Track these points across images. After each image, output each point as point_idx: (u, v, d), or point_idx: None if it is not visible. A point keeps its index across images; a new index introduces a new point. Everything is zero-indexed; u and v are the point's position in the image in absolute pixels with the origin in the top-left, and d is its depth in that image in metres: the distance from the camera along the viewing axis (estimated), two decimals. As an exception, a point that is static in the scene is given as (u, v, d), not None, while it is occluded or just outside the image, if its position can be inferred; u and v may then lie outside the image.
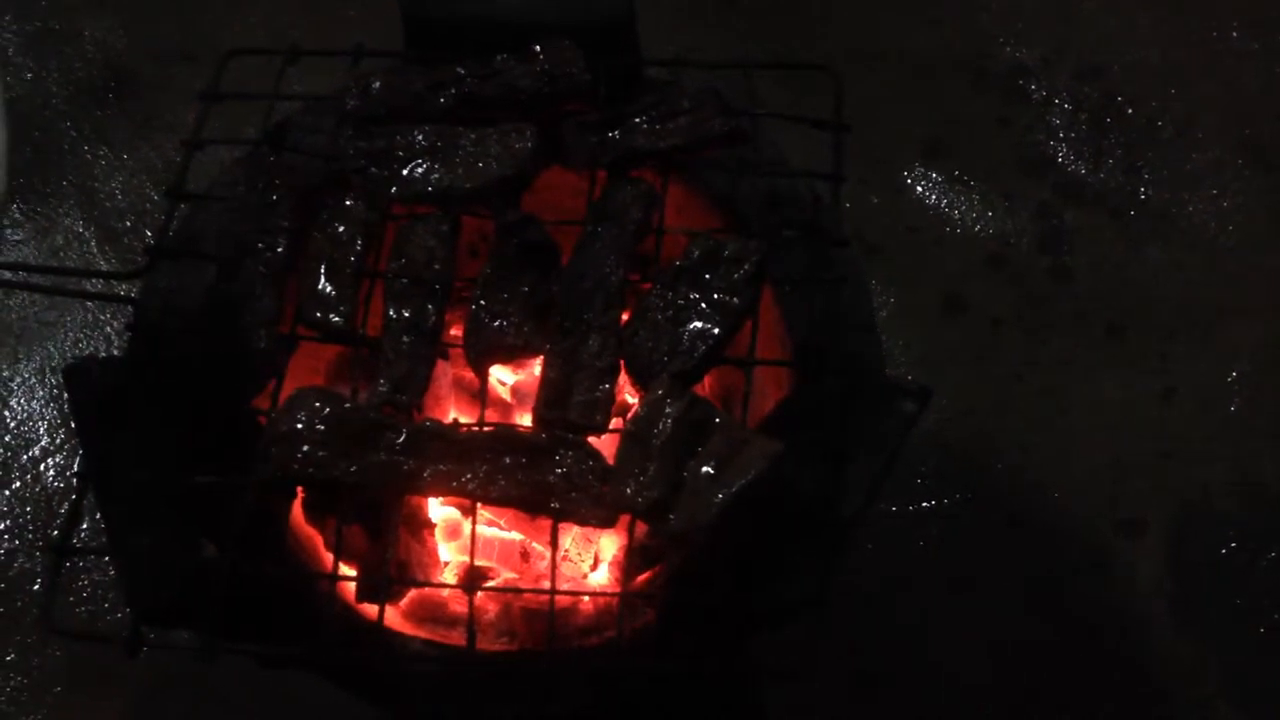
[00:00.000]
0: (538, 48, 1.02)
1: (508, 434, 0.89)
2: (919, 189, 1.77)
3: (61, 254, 1.65)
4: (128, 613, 0.86)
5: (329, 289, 0.95)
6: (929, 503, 1.51)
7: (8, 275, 0.98)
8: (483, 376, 0.94)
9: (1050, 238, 1.73)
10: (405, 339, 0.92)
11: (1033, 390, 1.62)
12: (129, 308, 1.00)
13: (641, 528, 0.91)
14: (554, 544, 0.89)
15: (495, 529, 1.17)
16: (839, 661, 1.38)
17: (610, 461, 0.87)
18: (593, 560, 1.19)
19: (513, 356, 0.95)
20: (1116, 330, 1.66)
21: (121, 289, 1.18)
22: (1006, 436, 1.58)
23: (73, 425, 1.05)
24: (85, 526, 1.37)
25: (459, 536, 1.18)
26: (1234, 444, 1.60)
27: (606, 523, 0.87)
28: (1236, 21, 1.93)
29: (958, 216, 1.75)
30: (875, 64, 1.87)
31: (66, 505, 1.45)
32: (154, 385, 0.93)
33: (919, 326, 1.65)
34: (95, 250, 1.65)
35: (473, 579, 1.05)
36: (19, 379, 1.56)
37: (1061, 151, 1.81)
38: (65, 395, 1.53)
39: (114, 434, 0.90)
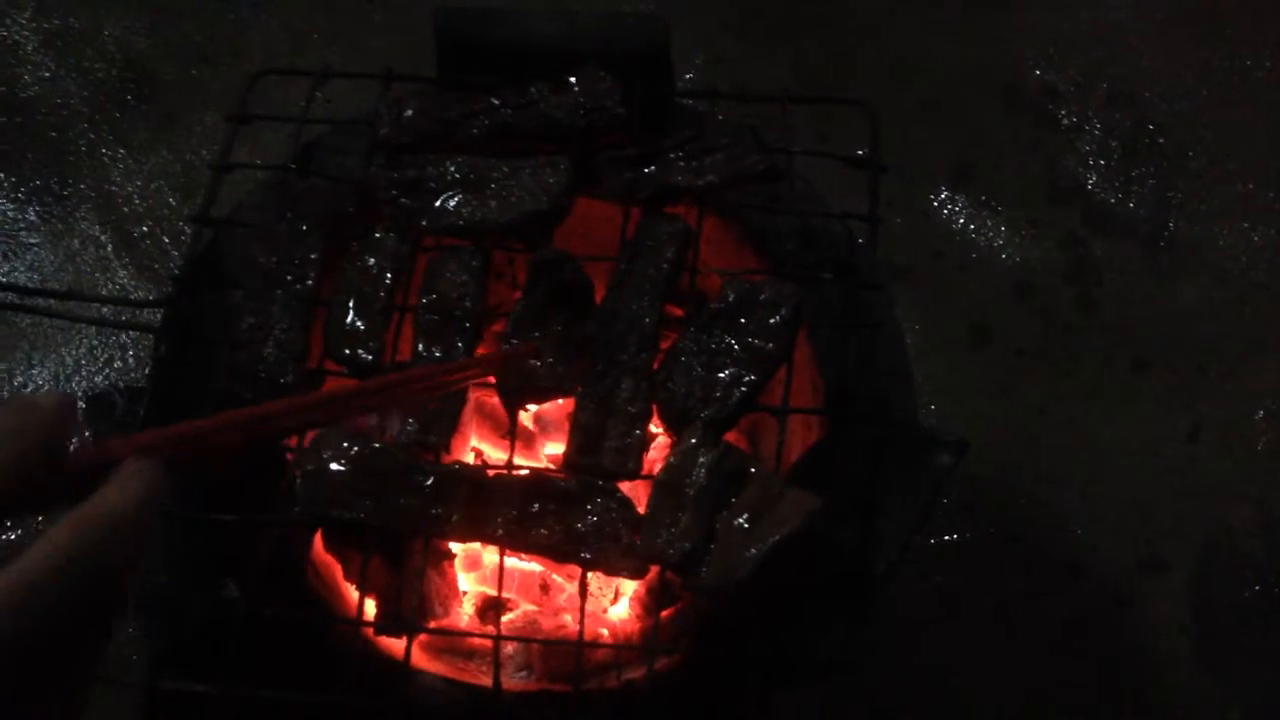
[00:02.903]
0: (573, 79, 1.01)
1: (538, 480, 0.87)
2: (945, 212, 1.75)
3: (78, 259, 1.63)
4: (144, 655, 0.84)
5: (358, 324, 0.93)
6: (950, 536, 1.49)
7: (12, 298, 0.96)
8: (513, 416, 0.93)
9: (1078, 267, 1.71)
10: (434, 377, 0.91)
11: (1057, 424, 1.60)
12: (149, 313, 0.98)
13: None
14: (583, 594, 0.87)
15: (516, 559, 1.15)
16: (860, 698, 1.37)
17: (641, 509, 0.86)
18: (613, 594, 1.18)
19: (545, 398, 0.93)
20: (1143, 364, 1.64)
21: (143, 314, 1.15)
22: (1029, 470, 1.56)
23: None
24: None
25: (479, 567, 1.17)
26: (1259, 484, 1.58)
27: (637, 574, 0.85)
28: (1271, 51, 1.90)
29: (984, 242, 1.73)
30: (906, 83, 1.84)
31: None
32: (176, 418, 0.91)
33: (943, 355, 1.63)
34: (112, 256, 1.63)
35: (498, 617, 1.04)
36: (31, 386, 1.54)
37: (1091, 179, 1.78)
38: (78, 405, 1.52)
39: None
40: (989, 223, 1.74)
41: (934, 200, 1.76)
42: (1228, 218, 1.76)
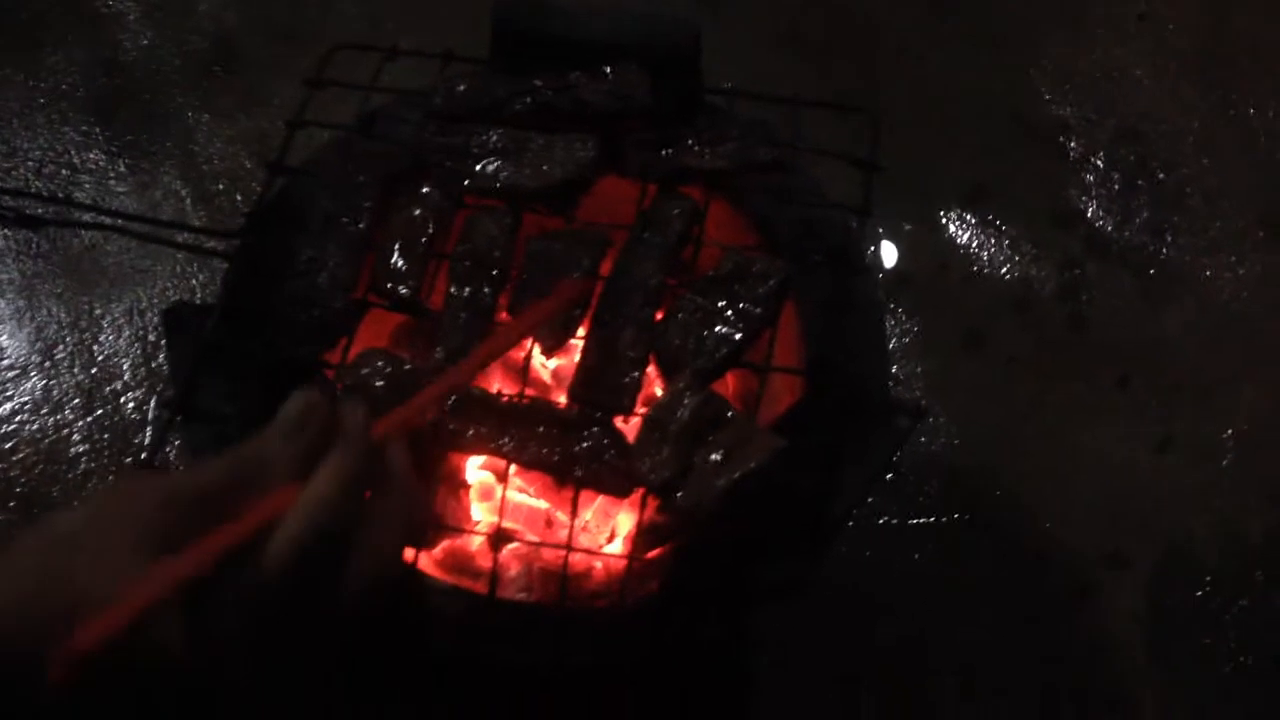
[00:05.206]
0: (608, 69, 1.13)
1: (543, 407, 1.00)
2: (954, 228, 1.87)
3: (159, 208, 1.79)
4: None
5: (400, 264, 1.06)
6: (928, 518, 1.60)
7: (105, 220, 1.10)
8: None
9: (1073, 288, 1.82)
10: (462, 315, 1.03)
11: (1039, 428, 1.70)
12: (217, 262, 1.11)
13: (652, 508, 1.01)
14: (574, 508, 1.00)
15: (525, 496, 1.27)
16: (824, 659, 1.48)
17: (631, 441, 0.99)
18: (609, 533, 1.30)
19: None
20: (1124, 381, 1.75)
21: (215, 245, 1.30)
22: (1008, 468, 1.66)
23: (165, 359, 1.18)
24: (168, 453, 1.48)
25: (490, 499, 1.29)
26: (1222, 497, 1.68)
27: (622, 492, 0.97)
28: (1275, 102, 2.01)
29: (987, 258, 1.84)
30: (932, 109, 1.97)
31: (149, 432, 1.59)
32: (240, 333, 1.05)
33: (937, 356, 1.74)
34: (189, 209, 1.79)
35: (499, 536, 1.17)
36: (109, 318, 1.70)
37: (1092, 208, 1.89)
38: (149, 337, 1.69)
39: (202, 371, 1.03)
40: (994, 241, 1.86)
41: (944, 217, 1.88)
42: (1217, 252, 1.86)
